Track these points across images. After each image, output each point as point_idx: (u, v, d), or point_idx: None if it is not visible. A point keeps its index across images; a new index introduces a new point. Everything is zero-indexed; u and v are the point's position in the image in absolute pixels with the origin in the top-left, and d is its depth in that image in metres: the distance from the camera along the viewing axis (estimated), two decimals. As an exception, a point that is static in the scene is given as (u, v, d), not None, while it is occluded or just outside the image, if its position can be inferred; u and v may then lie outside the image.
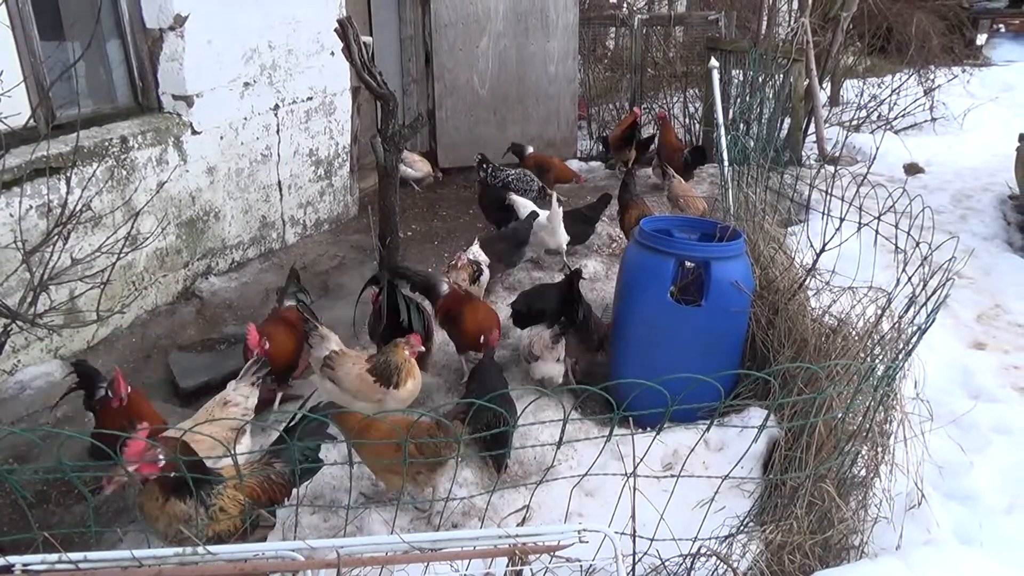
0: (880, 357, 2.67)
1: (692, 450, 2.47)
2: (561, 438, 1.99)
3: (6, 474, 1.97)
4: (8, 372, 3.67)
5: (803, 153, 8.01)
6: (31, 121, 3.52)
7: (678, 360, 3.50)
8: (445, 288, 4.20)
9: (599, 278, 5.13)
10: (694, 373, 3.52)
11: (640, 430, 2.99)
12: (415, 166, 6.92)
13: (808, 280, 3.58)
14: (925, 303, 2.51)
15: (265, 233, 5.44)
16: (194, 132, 4.65)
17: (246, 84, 4.99)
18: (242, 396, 3.00)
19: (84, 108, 4.24)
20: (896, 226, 2.99)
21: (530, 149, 6.75)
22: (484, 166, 6.20)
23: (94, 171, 3.97)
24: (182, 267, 4.74)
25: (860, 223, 3.18)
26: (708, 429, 2.24)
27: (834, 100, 10.24)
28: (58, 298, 3.59)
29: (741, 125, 7.25)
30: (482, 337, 3.75)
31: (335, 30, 4.70)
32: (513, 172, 6.23)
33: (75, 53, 4.38)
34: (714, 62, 5.34)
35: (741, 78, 7.69)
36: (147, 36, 4.48)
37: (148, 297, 4.49)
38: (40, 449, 3.29)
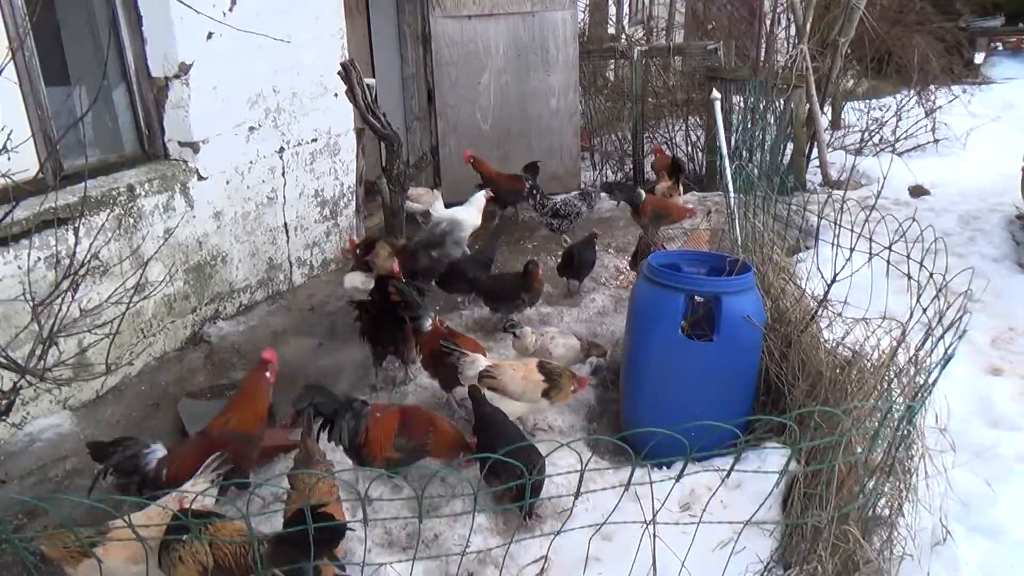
0: (899, 393, 2.63)
1: (713, 493, 2.41)
2: (579, 489, 1.95)
3: (11, 536, 1.94)
4: (17, 426, 3.64)
5: (807, 178, 8.02)
6: (39, 174, 3.55)
7: (691, 395, 3.47)
8: (428, 325, 3.99)
9: (607, 312, 5.10)
10: (708, 408, 3.51)
11: (656, 468, 2.96)
12: (421, 200, 6.94)
13: (820, 311, 3.54)
14: (942, 336, 2.47)
15: (272, 275, 5.44)
16: (200, 178, 4.67)
17: (251, 128, 5.02)
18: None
19: (91, 157, 4.28)
20: (908, 256, 2.97)
21: (644, 195, 6.28)
22: (534, 192, 6.35)
23: (102, 221, 3.97)
24: (190, 312, 4.73)
25: (871, 253, 3.16)
26: (728, 474, 2.19)
27: (835, 124, 10.27)
28: (67, 349, 3.57)
29: (744, 153, 7.28)
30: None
31: (338, 73, 4.76)
32: (560, 199, 6.35)
33: (81, 98, 4.44)
34: (716, 94, 5.36)
35: (742, 105, 7.74)
36: (153, 84, 4.52)
37: (156, 344, 4.48)
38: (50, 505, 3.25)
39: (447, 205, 7.09)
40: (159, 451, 2.95)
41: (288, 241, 5.54)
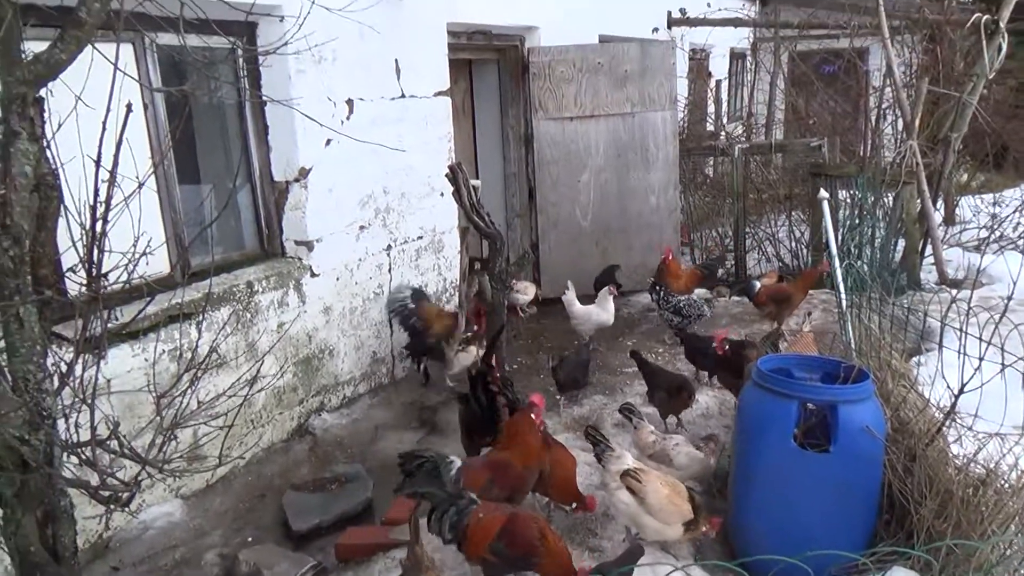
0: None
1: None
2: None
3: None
4: (133, 513, 3.78)
5: (921, 276, 7.67)
6: (171, 273, 3.80)
7: (807, 509, 3.26)
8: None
9: (711, 414, 4.93)
10: (825, 523, 3.30)
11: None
12: (527, 291, 7.04)
13: (947, 423, 3.31)
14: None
15: (375, 369, 5.56)
16: (313, 274, 4.89)
17: (361, 227, 5.25)
18: None
19: (215, 256, 4.55)
20: (1046, 368, 2.77)
21: (758, 285, 6.42)
22: (657, 288, 6.39)
23: (223, 316, 4.19)
24: (297, 404, 4.87)
25: (1003, 364, 2.96)
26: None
27: (950, 220, 9.86)
28: (183, 439, 3.71)
29: (852, 249, 7.06)
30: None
31: (446, 175, 4.95)
32: (683, 298, 6.34)
33: (211, 200, 4.76)
34: (823, 193, 5.25)
35: (849, 201, 7.55)
36: (275, 188, 4.82)
37: (264, 435, 4.61)
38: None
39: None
40: (457, 462, 3.42)
41: (392, 335, 5.68)
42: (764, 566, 3.16)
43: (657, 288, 6.44)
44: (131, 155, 2.70)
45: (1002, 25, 7.33)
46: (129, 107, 2.59)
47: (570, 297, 6.15)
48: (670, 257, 6.69)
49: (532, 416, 3.60)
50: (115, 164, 2.63)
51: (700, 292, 6.77)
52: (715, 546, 3.64)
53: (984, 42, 7.38)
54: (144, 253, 2.65)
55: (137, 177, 2.76)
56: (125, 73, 2.74)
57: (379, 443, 4.79)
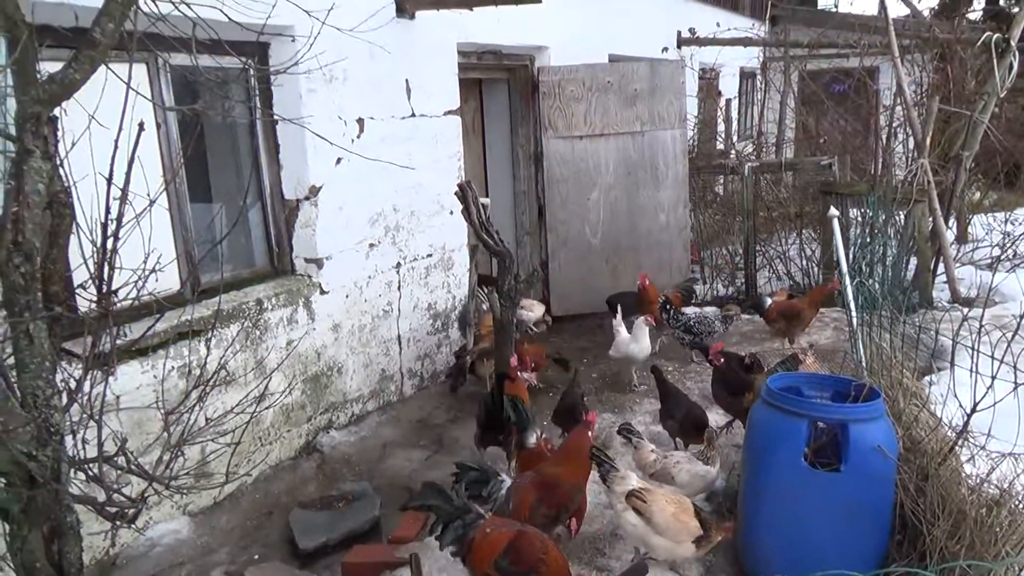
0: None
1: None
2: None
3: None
4: (140, 531, 3.78)
5: (934, 295, 7.61)
6: (181, 290, 3.82)
7: (817, 528, 3.23)
8: (533, 441, 3.97)
9: (721, 433, 4.89)
10: (836, 543, 3.26)
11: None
12: (534, 309, 7.04)
13: (960, 443, 3.28)
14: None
15: (384, 386, 5.56)
16: (322, 292, 4.91)
17: (371, 245, 5.27)
18: None
19: (225, 273, 4.58)
20: (1060, 387, 2.73)
21: (769, 300, 6.51)
22: (667, 307, 6.33)
23: (232, 333, 4.21)
24: (305, 422, 4.87)
25: (1016, 383, 2.93)
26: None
27: (962, 238, 9.81)
28: (191, 456, 3.72)
29: (864, 267, 7.02)
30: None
31: (455, 193, 4.97)
32: (693, 316, 6.32)
33: (222, 218, 4.80)
34: (834, 211, 5.23)
35: (860, 219, 7.52)
36: (285, 206, 4.85)
37: (272, 453, 4.61)
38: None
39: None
40: (507, 482, 3.53)
41: (401, 353, 5.68)
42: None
43: (667, 307, 6.40)
44: (143, 173, 2.73)
45: (1013, 44, 7.33)
46: (141, 126, 2.62)
47: (618, 323, 5.88)
48: (647, 283, 6.58)
49: (589, 434, 3.61)
50: (127, 182, 2.65)
51: (711, 310, 6.73)
52: (726, 567, 3.60)
53: (995, 61, 7.37)
54: (153, 270, 2.67)
55: (148, 195, 2.79)
56: (138, 92, 2.78)
57: (387, 461, 4.78)
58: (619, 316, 5.95)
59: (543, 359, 5.72)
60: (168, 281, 3.63)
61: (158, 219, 3.70)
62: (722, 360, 4.81)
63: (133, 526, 3.12)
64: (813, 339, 6.69)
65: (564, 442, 3.82)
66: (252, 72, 4.35)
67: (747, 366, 4.93)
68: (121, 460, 2.77)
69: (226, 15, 2.95)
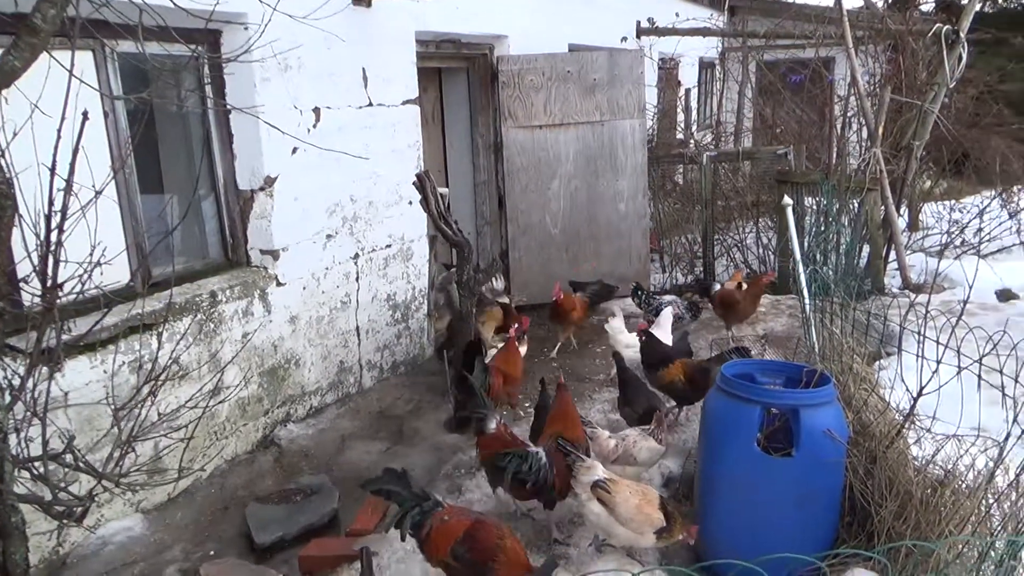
0: (1001, 522, 2.43)
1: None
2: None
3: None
4: (91, 529, 3.71)
5: (886, 282, 7.79)
6: (130, 282, 3.74)
7: (770, 513, 3.29)
8: (493, 427, 3.89)
9: (680, 422, 4.96)
10: (788, 526, 3.33)
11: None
12: (499, 279, 7.06)
13: (907, 426, 3.36)
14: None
15: (343, 378, 5.52)
16: (279, 284, 4.84)
17: (328, 236, 5.21)
18: None
19: (178, 265, 4.49)
20: (1001, 371, 2.82)
21: (717, 286, 6.63)
22: (639, 292, 6.43)
23: (185, 326, 4.14)
24: (262, 415, 4.81)
25: (959, 367, 3.01)
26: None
27: (913, 226, 10.04)
28: (143, 452, 3.66)
29: (818, 256, 7.15)
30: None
31: (413, 183, 4.94)
32: (666, 299, 6.39)
33: (173, 208, 4.71)
34: (787, 199, 5.32)
35: (815, 207, 7.65)
36: (239, 196, 4.77)
37: (228, 447, 4.55)
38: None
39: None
40: (543, 452, 3.65)
41: (359, 344, 5.64)
42: (728, 569, 3.19)
43: (639, 292, 6.49)
44: (88, 164, 2.66)
45: (962, 35, 7.49)
46: (85, 115, 2.55)
47: (617, 325, 5.72)
48: (562, 295, 6.24)
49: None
50: (71, 172, 2.59)
51: (668, 298, 6.76)
52: (682, 552, 3.65)
53: (945, 52, 7.53)
54: (99, 263, 2.62)
55: (94, 186, 2.72)
56: (82, 81, 2.70)
57: (346, 453, 4.75)
58: (619, 317, 5.84)
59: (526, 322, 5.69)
60: (117, 274, 3.52)
61: (106, 211, 3.62)
62: (643, 337, 5.02)
63: (83, 525, 3.07)
64: (770, 327, 6.81)
65: (553, 407, 4.00)
66: (203, 60, 4.26)
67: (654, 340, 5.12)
68: (69, 458, 2.71)
69: (173, 1, 2.88)
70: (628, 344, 5.47)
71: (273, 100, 4.61)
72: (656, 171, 9.03)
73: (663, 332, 5.50)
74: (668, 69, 12.57)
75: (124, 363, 3.82)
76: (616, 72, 7.50)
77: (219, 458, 4.47)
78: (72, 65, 2.55)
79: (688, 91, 13.51)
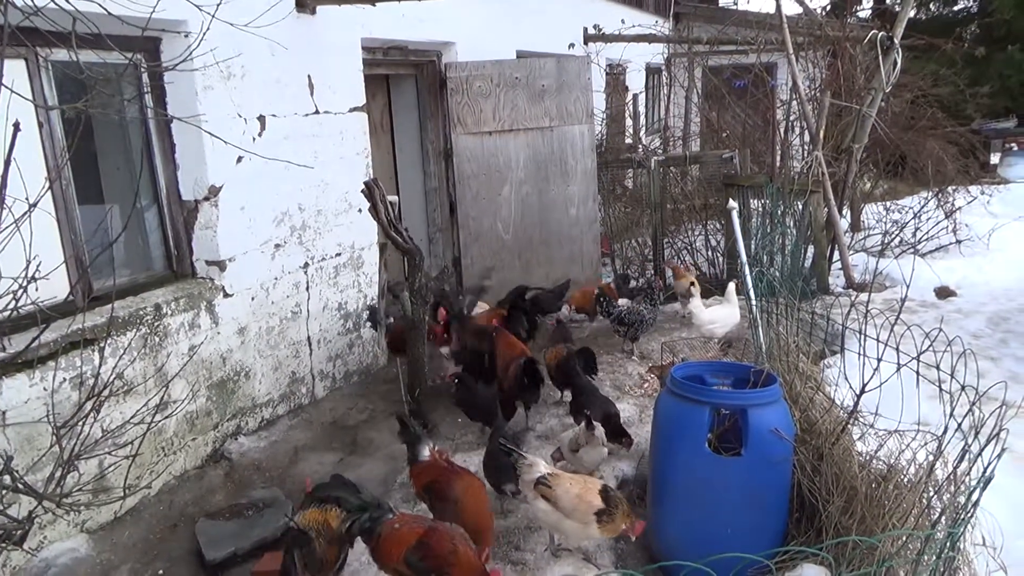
0: (940, 513, 2.51)
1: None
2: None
3: None
4: (33, 552, 3.58)
5: (830, 282, 7.99)
6: (70, 296, 3.64)
7: (721, 511, 3.35)
8: (426, 454, 3.74)
9: (632, 422, 4.99)
10: (739, 525, 3.38)
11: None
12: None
13: (851, 422, 3.45)
14: (980, 452, 2.39)
15: (295, 389, 5.44)
16: (226, 295, 4.76)
17: (277, 245, 5.14)
18: None
19: (120, 277, 4.38)
20: (938, 366, 2.91)
21: (632, 283, 6.94)
22: (601, 300, 6.52)
23: (128, 340, 4.03)
24: (212, 429, 4.72)
25: (899, 364, 3.10)
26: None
27: (855, 226, 10.32)
28: (87, 471, 3.56)
29: (764, 257, 7.30)
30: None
31: (362, 191, 4.90)
32: (624, 304, 6.55)
33: (113, 219, 4.58)
34: (732, 203, 5.42)
35: (761, 210, 7.82)
36: (183, 207, 4.68)
37: (177, 463, 4.44)
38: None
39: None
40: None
41: (311, 354, 5.57)
42: (680, 570, 3.23)
43: (601, 300, 6.53)
44: (20, 176, 2.58)
45: (896, 41, 7.73)
46: (16, 126, 2.48)
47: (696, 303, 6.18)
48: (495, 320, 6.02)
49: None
50: (3, 185, 2.51)
51: (623, 301, 6.82)
52: (636, 553, 3.69)
53: (880, 57, 7.77)
54: (34, 278, 2.53)
55: (27, 199, 2.64)
56: (12, 90, 2.62)
57: (299, 465, 4.69)
58: (697, 296, 6.25)
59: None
60: (56, 288, 3.44)
61: (43, 223, 3.52)
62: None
63: (24, 548, 2.97)
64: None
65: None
66: (142, 69, 4.17)
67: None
68: (7, 479, 2.62)
69: (104, 8, 2.81)
70: (712, 320, 5.93)
71: (216, 109, 4.53)
72: (606, 176, 9.12)
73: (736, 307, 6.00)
74: (615, 75, 12.71)
75: (65, 379, 3.70)
76: (564, 78, 7.57)
77: (167, 474, 4.36)
78: (1, 75, 2.47)
79: (636, 96, 13.68)
